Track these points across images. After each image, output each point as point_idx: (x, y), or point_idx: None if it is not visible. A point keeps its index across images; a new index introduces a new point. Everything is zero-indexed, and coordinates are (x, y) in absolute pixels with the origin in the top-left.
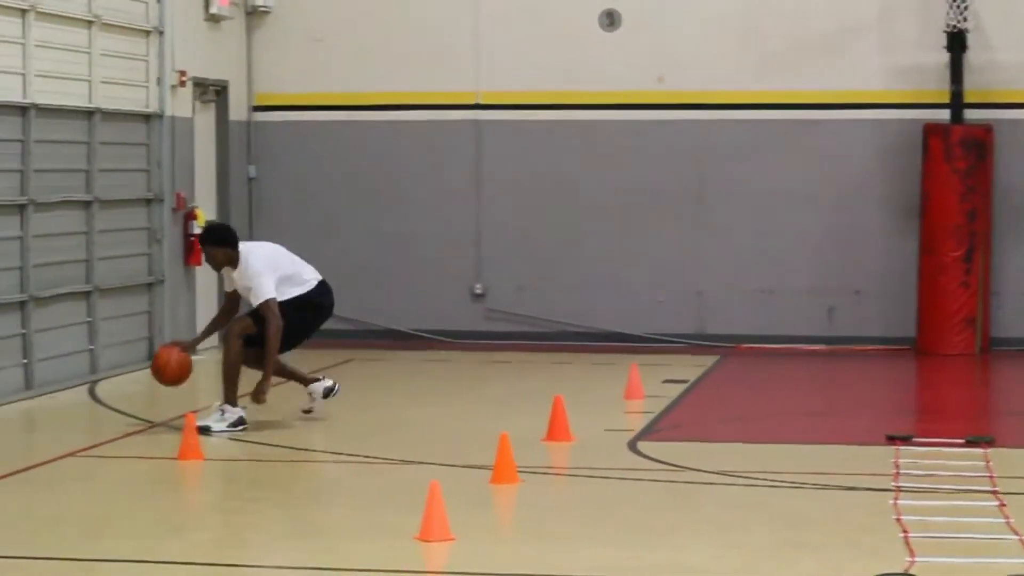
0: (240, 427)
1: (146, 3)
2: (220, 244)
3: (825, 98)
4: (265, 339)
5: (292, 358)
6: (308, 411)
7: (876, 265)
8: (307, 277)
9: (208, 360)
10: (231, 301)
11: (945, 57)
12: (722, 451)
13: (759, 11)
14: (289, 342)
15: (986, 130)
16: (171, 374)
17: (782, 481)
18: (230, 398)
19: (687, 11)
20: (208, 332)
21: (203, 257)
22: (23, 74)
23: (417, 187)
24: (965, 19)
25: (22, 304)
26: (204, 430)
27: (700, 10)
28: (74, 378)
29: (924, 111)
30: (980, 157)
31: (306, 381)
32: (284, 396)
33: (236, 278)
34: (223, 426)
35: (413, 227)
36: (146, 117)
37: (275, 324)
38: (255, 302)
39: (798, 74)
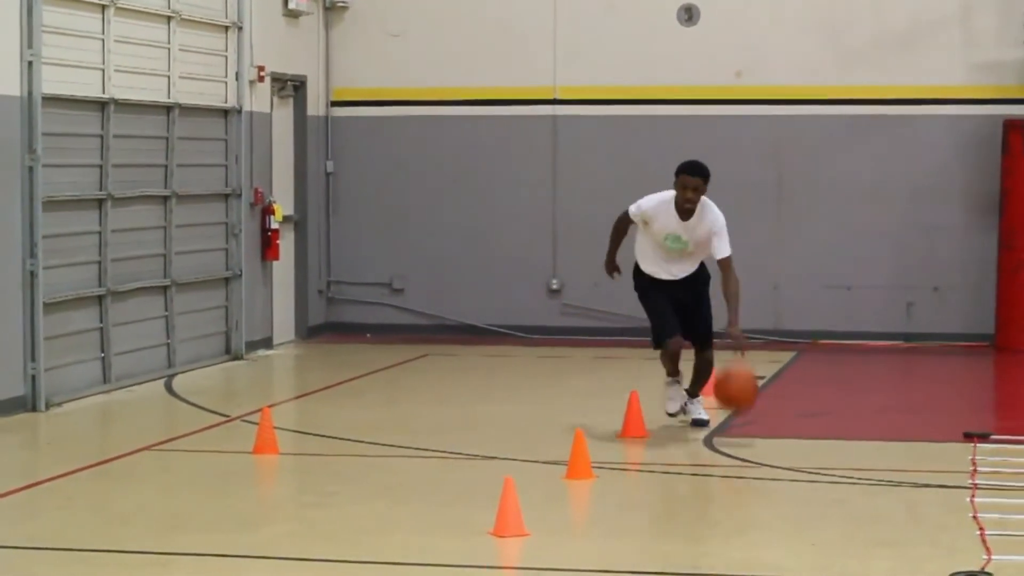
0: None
1: None
2: (708, 180)
3: (904, 93)
4: (730, 294)
5: None
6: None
7: (955, 261)
8: None
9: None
10: (627, 226)
11: None
12: (798, 447)
13: (838, 6)
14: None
15: None
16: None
17: (858, 478)
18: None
19: (765, 6)
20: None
21: (685, 195)
22: (102, 69)
23: (494, 182)
24: None
25: (100, 298)
26: (702, 423)
27: (779, 5)
28: (151, 372)
29: (1004, 107)
30: None
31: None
32: (361, 391)
33: (690, 225)
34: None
35: (489, 222)
36: (224, 112)
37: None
38: (720, 256)
39: (877, 69)
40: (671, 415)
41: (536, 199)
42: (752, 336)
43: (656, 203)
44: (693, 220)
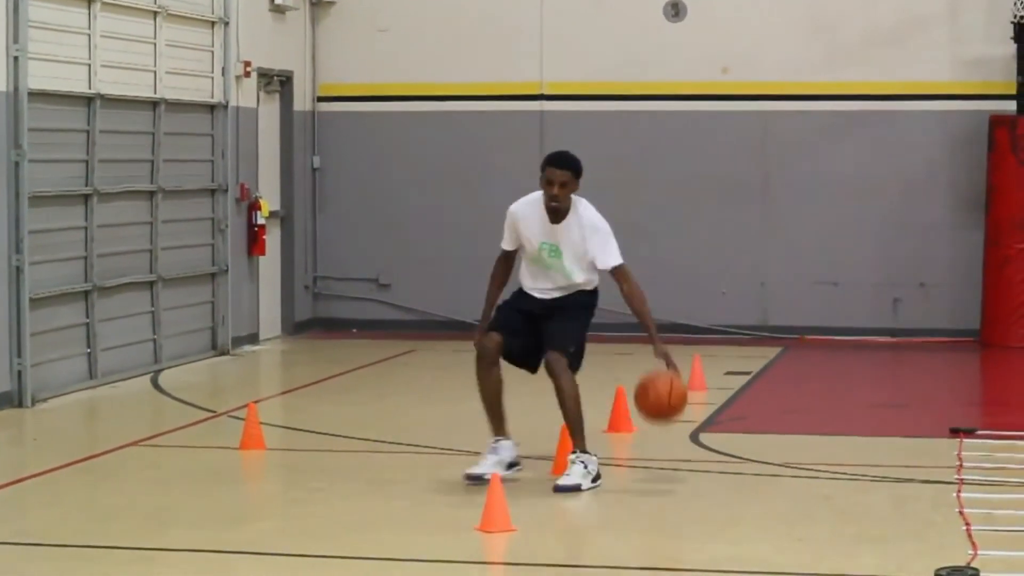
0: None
1: None
2: (579, 175)
3: (891, 89)
4: (637, 310)
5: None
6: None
7: (941, 257)
8: None
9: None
10: (508, 265)
11: (1012, 48)
12: (785, 443)
13: (825, 2)
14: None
15: None
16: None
17: (845, 474)
18: (583, 444)
19: (752, 1)
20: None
21: (550, 191)
22: (88, 64)
23: (480, 177)
24: None
25: (86, 294)
26: (573, 488)
27: (766, 0)
28: (137, 367)
29: (990, 103)
30: None
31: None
32: (347, 387)
33: (562, 230)
34: (588, 482)
35: (476, 217)
36: (211, 107)
37: (640, 291)
38: (605, 265)
39: (864, 65)
40: (468, 477)
41: (522, 194)
42: (739, 332)
43: (525, 203)
44: (565, 224)
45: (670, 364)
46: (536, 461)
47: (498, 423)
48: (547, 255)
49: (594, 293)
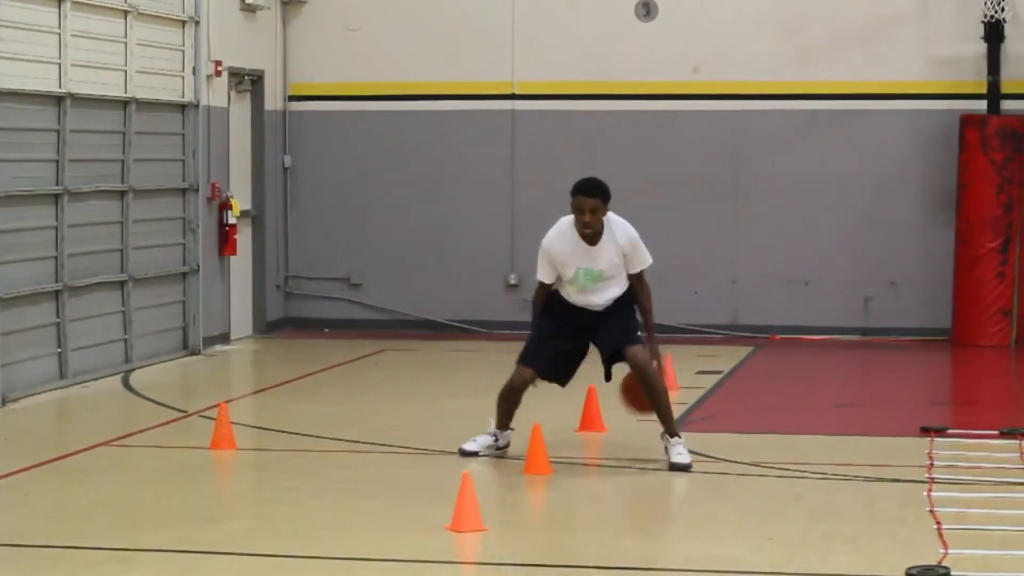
0: None
1: None
2: (607, 199)
3: (861, 89)
4: (647, 308)
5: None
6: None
7: (912, 256)
8: None
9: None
10: (549, 295)
11: (982, 48)
12: (756, 442)
13: (795, 1)
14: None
15: (1023, 121)
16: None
17: (816, 473)
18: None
19: (723, 1)
20: None
21: (582, 219)
22: (59, 63)
23: (452, 177)
24: (1003, 9)
25: (57, 293)
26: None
27: (736, 0)
28: (108, 367)
29: (961, 102)
30: (1017, 148)
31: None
32: (318, 386)
33: (599, 251)
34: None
35: (447, 217)
36: (181, 107)
37: (650, 292)
38: (638, 268)
39: (835, 64)
40: (465, 453)
41: (494, 193)
42: (710, 331)
43: (556, 235)
44: (601, 244)
45: (656, 361)
46: (507, 461)
47: (506, 421)
48: (583, 278)
49: (629, 289)
